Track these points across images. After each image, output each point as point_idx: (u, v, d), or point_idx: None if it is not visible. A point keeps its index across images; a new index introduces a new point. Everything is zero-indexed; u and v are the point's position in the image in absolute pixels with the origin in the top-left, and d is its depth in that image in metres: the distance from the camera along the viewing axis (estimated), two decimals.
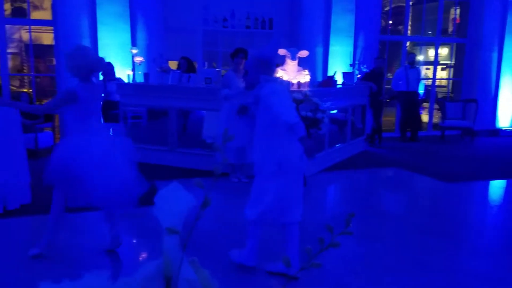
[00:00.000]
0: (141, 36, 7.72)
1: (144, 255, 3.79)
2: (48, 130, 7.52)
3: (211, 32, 8.32)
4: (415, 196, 5.77)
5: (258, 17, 8.35)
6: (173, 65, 7.43)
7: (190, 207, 0.55)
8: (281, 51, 6.39)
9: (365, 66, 8.22)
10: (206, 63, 7.97)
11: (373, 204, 5.10)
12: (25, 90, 11.00)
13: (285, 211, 3.21)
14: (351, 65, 8.27)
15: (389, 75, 16.49)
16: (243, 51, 5.46)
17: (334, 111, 7.22)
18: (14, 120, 4.61)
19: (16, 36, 16.09)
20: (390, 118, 10.54)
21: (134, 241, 4.01)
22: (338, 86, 7.15)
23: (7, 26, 15.25)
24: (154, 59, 6.81)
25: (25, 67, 15.54)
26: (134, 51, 6.79)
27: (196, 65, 7.84)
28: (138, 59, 6.74)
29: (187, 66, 6.95)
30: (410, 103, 8.90)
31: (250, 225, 3.27)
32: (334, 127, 7.40)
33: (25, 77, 14.55)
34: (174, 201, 0.54)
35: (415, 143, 8.90)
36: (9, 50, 16.62)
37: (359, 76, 8.04)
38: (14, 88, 14.08)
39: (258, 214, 3.18)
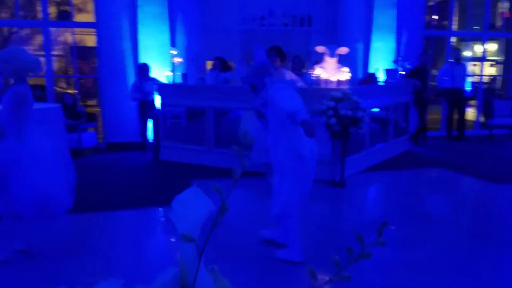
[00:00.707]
0: (180, 37, 7.78)
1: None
2: (91, 130, 7.72)
3: (248, 31, 8.29)
4: (461, 198, 5.50)
5: (296, 15, 8.24)
6: (210, 65, 7.45)
7: (208, 213, 0.49)
8: (320, 48, 6.27)
9: (408, 62, 7.96)
10: (241, 62, 7.95)
11: (416, 207, 4.88)
12: (69, 91, 11.35)
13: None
14: (393, 61, 8.03)
15: (434, 72, 15.98)
16: (276, 49, 5.39)
17: (376, 110, 7.02)
18: (59, 120, 4.74)
19: (61, 38, 16.69)
20: (436, 116, 10.17)
21: (172, 239, 4.00)
22: (380, 84, 6.95)
23: (53, 29, 15.86)
24: (192, 59, 6.84)
25: (70, 69, 16.08)
26: (173, 52, 6.85)
27: (232, 64, 7.83)
28: (177, 60, 6.79)
29: (221, 66, 6.94)
30: (456, 100, 8.54)
31: (290, 221, 3.34)
32: (376, 125, 7.20)
33: (70, 79, 15.03)
34: (192, 206, 0.48)
35: (461, 142, 8.53)
36: (55, 53, 17.27)
37: (402, 73, 7.79)
38: (60, 89, 14.61)
39: (296, 209, 3.32)
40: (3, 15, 14.64)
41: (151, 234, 4.23)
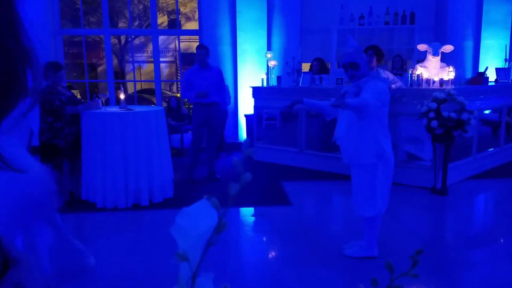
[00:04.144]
0: (276, 40, 7.88)
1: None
2: None
3: (346, 31, 8.10)
4: None
5: (398, 12, 7.88)
6: (306, 67, 7.42)
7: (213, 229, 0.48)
8: (422, 47, 5.93)
9: None
10: (336, 64, 7.80)
11: None
12: (176, 94, 12.07)
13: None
14: (506, 60, 7.30)
15: None
16: (373, 48, 5.19)
17: (487, 111, 6.45)
18: (161, 121, 5.07)
19: (171, 46, 17.86)
20: None
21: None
22: (490, 84, 6.37)
23: (164, 37, 17.02)
24: (287, 62, 6.88)
25: (179, 74, 17.09)
26: (269, 55, 6.95)
27: (329, 66, 7.71)
28: (272, 63, 6.88)
29: (319, 67, 6.87)
30: None
31: (368, 220, 3.33)
32: (486, 129, 6.62)
33: (179, 83, 15.97)
34: (197, 222, 0.47)
35: None
36: (166, 59, 18.53)
37: None
38: (169, 93, 15.63)
39: (376, 209, 3.28)
40: (121, 24, 16.08)
41: (240, 232, 4.33)
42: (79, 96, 9.00)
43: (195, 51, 5.91)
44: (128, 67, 17.96)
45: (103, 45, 8.34)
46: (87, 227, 4.49)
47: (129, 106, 5.22)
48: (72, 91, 5.51)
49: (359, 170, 3.28)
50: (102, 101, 5.13)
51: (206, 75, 5.67)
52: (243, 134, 7.71)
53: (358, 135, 3.22)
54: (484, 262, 3.44)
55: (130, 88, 15.25)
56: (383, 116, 3.25)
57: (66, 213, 4.66)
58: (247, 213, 4.78)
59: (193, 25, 14.55)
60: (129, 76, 17.79)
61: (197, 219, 0.45)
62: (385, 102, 3.22)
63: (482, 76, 6.14)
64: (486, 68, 6.40)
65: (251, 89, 7.10)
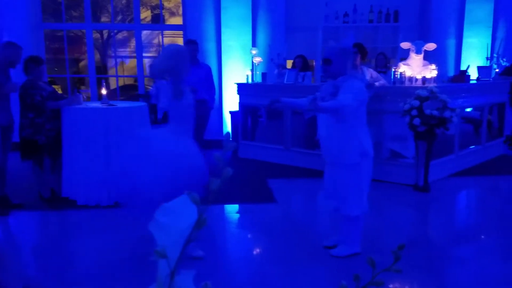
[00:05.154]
0: (261, 36, 7.85)
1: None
2: None
3: (331, 29, 8.13)
4: None
5: (382, 10, 7.93)
6: (290, 64, 7.42)
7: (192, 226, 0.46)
8: (405, 45, 5.98)
9: (505, 59, 7.30)
10: (321, 61, 7.81)
11: None
12: None
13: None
14: (487, 58, 7.41)
15: None
16: (358, 45, 5.21)
17: (469, 109, 6.53)
18: (145, 117, 5.01)
19: (155, 41, 17.66)
20: None
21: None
22: (472, 82, 6.45)
23: (147, 32, 16.85)
24: (272, 59, 6.86)
25: None
26: (254, 52, 6.92)
27: (313, 63, 7.73)
28: (257, 59, 6.85)
29: (302, 64, 6.87)
30: None
31: (353, 219, 3.34)
32: (468, 127, 6.70)
33: None
34: (177, 218, 0.45)
35: None
36: (149, 54, 18.35)
37: (497, 70, 7.17)
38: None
39: (361, 208, 3.30)
40: (103, 19, 15.87)
41: (225, 229, 4.31)
42: (60, 92, 8.85)
43: None
44: (111, 62, 17.75)
45: (86, 40, 8.21)
46: (68, 225, 4.42)
47: (111, 102, 5.14)
48: (54, 86, 5.41)
49: (344, 170, 3.27)
50: (83, 96, 5.05)
51: (195, 71, 5.62)
52: (228, 131, 7.68)
53: (339, 135, 3.23)
54: (467, 258, 3.48)
55: (113, 84, 15.07)
56: (362, 115, 3.26)
57: (47, 210, 4.60)
58: (232, 210, 4.76)
59: (177, 20, 14.44)
60: (111, 72, 17.59)
61: (177, 215, 0.44)
62: (363, 101, 3.22)
63: (464, 74, 6.22)
64: (468, 67, 6.48)
65: (236, 85, 7.07)
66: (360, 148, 3.19)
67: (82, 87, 13.97)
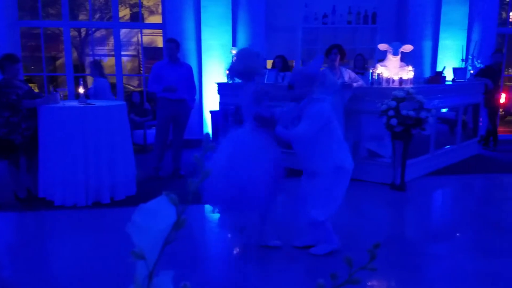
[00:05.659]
0: (241, 36, 7.86)
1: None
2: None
3: (311, 30, 8.20)
4: None
5: (360, 12, 8.03)
6: (270, 64, 7.45)
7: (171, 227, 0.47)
8: (382, 46, 6.07)
9: (479, 61, 7.48)
10: (301, 62, 7.88)
11: (487, 215, 4.53)
12: (138, 89, 11.84)
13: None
14: (463, 60, 7.58)
15: (511, 71, 14.88)
16: (337, 47, 5.27)
17: (445, 110, 6.67)
18: (123, 117, 4.96)
19: (134, 39, 17.49)
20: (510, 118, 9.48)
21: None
22: (447, 83, 6.59)
23: (126, 31, 16.67)
24: None
25: (141, 68, 16.76)
26: (234, 52, 6.93)
27: (293, 63, 7.77)
28: None
29: (281, 64, 6.91)
30: None
31: (320, 224, 3.37)
32: (444, 127, 6.84)
33: (141, 78, 15.65)
34: (155, 219, 0.46)
35: None
36: (128, 53, 18.16)
37: (472, 72, 7.34)
38: (132, 87, 15.33)
39: (328, 214, 3.35)
40: (81, 17, 15.63)
41: (205, 228, 4.31)
42: (37, 90, 8.69)
43: (159, 45, 5.83)
44: (89, 60, 17.51)
45: (63, 38, 8.08)
46: (45, 226, 4.36)
47: (89, 101, 5.08)
48: (30, 85, 5.32)
49: (316, 178, 3.33)
50: (60, 95, 4.98)
51: (176, 70, 5.60)
52: (208, 130, 7.66)
53: (312, 153, 3.30)
54: (442, 255, 3.56)
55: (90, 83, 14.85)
56: (333, 131, 3.28)
57: (23, 211, 4.52)
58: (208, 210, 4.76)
59: (157, 19, 14.31)
60: (89, 70, 17.34)
61: (155, 216, 0.44)
62: (329, 120, 3.25)
63: (440, 76, 6.35)
64: (444, 68, 6.62)
65: (217, 85, 7.05)
66: (334, 162, 3.24)
67: (53, 84, 13.68)
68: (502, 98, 7.67)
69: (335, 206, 3.36)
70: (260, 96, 3.44)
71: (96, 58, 7.58)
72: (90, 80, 9.21)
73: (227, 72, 3.77)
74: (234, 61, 3.66)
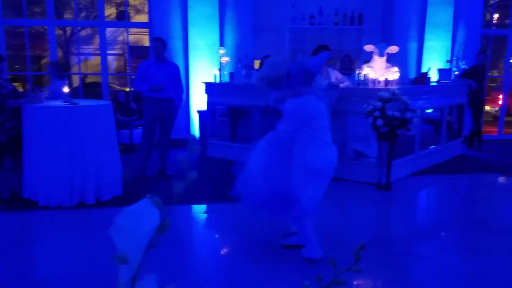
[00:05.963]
0: (229, 36, 7.85)
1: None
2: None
3: (298, 30, 8.23)
4: None
5: (347, 13, 8.08)
6: (258, 64, 7.45)
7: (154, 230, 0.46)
8: (368, 47, 6.11)
9: (464, 62, 7.58)
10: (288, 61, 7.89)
11: (472, 214, 4.60)
12: (125, 89, 11.74)
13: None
14: (448, 61, 7.67)
15: (495, 72, 15.11)
16: (324, 47, 5.30)
17: (430, 111, 6.74)
18: (109, 116, 4.92)
19: (120, 38, 17.34)
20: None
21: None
22: (432, 84, 6.67)
23: (112, 29, 16.53)
24: (240, 59, 6.88)
25: (127, 67, 16.61)
26: (221, 52, 6.92)
27: None
28: (225, 59, 6.85)
29: None
30: None
31: (303, 221, 3.32)
32: (429, 127, 6.92)
33: (127, 77, 15.52)
34: (139, 222, 0.45)
35: None
36: (114, 52, 18.00)
37: (457, 73, 7.43)
38: (117, 87, 15.20)
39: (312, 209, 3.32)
40: (67, 15, 15.45)
41: (192, 229, 4.30)
42: (21, 89, 8.57)
43: (145, 45, 5.79)
44: (74, 59, 17.31)
45: (48, 37, 7.97)
46: (29, 226, 4.30)
47: (74, 100, 5.03)
48: (14, 84, 5.24)
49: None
50: (45, 95, 4.92)
51: (162, 69, 5.57)
52: (195, 130, 7.64)
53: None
54: (427, 254, 3.60)
55: (76, 82, 14.70)
56: (315, 128, 3.26)
57: (7, 211, 4.46)
58: (200, 210, 4.75)
59: (143, 18, 14.20)
60: (74, 69, 17.16)
61: (139, 219, 0.44)
62: (316, 114, 3.26)
63: (425, 77, 6.41)
64: (429, 69, 6.69)
65: (204, 85, 7.04)
66: (309, 165, 3.21)
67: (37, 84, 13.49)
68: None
69: (313, 202, 3.25)
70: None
71: (57, 59, 7.36)
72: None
73: (257, 80, 3.83)
74: (264, 70, 3.71)
